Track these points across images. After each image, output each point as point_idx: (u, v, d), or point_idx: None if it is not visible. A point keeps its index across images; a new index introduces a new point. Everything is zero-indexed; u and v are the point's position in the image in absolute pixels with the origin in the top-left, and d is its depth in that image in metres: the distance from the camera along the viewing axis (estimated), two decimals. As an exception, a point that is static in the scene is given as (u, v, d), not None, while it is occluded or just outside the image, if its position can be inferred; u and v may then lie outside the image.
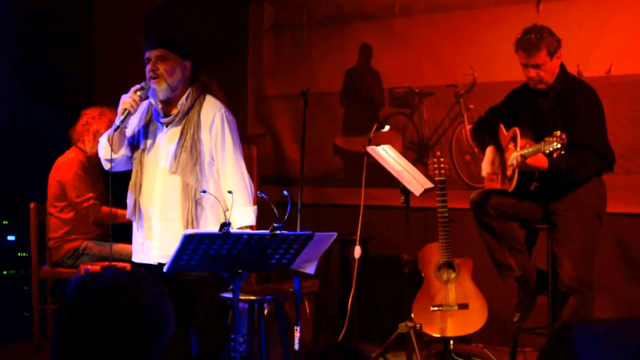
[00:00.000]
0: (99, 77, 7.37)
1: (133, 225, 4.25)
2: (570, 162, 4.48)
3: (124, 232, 4.96)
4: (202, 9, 7.08)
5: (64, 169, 5.62)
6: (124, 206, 4.30)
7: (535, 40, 4.59)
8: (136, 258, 4.25)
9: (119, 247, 5.38)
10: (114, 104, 4.17)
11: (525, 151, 4.49)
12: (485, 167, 4.83)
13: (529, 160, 4.46)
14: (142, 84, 4.10)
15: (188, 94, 4.15)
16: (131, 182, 4.20)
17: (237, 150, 4.17)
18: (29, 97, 6.57)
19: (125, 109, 4.04)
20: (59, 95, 6.57)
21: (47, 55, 6.77)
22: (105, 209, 5.53)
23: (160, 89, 4.09)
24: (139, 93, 4.07)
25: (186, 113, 4.13)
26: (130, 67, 6.82)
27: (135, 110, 4.09)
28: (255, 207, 4.19)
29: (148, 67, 4.12)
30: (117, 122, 4.05)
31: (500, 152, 4.86)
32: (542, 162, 4.43)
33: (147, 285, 1.81)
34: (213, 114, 4.14)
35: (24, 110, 6.52)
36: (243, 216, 4.05)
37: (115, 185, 4.12)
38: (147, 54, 4.15)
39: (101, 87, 7.22)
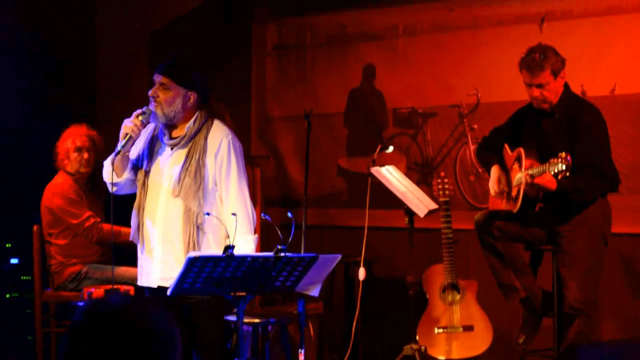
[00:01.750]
0: (103, 95, 7.41)
1: (137, 247, 4.27)
2: (577, 183, 4.50)
3: (126, 255, 4.98)
4: (205, 29, 7.12)
5: (52, 195, 5.60)
6: (126, 224, 4.32)
7: (539, 60, 4.61)
8: (139, 281, 4.27)
9: (122, 270, 5.38)
10: (118, 123, 4.19)
11: (532, 171, 4.51)
12: (493, 187, 4.84)
13: (537, 180, 4.47)
14: (144, 108, 4.09)
15: (196, 118, 4.15)
16: (135, 204, 4.21)
17: (242, 178, 4.16)
18: (31, 117, 6.60)
19: (127, 134, 4.06)
20: (63, 114, 6.59)
21: (52, 74, 6.81)
22: (107, 226, 5.52)
23: (157, 116, 4.10)
24: (140, 118, 4.07)
25: (193, 137, 4.13)
26: (134, 86, 6.90)
27: (137, 134, 4.09)
28: (257, 236, 4.17)
29: (150, 92, 4.15)
30: (119, 147, 4.06)
31: (506, 171, 4.88)
32: (550, 182, 4.43)
33: (154, 310, 1.81)
34: (220, 140, 4.13)
35: (27, 131, 6.56)
36: (243, 244, 4.01)
37: (116, 204, 4.15)
38: (154, 77, 4.16)
39: (105, 106, 7.26)
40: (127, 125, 4.07)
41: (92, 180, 5.70)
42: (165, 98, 4.09)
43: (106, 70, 7.43)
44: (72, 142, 5.65)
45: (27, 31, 6.66)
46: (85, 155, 5.62)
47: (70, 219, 5.55)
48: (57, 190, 5.61)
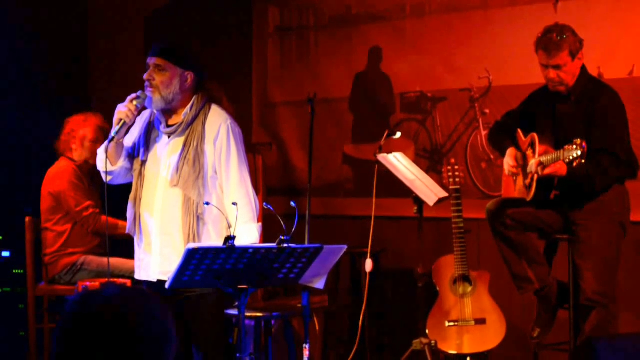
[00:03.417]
0: (97, 81, 7.39)
1: (134, 240, 4.25)
2: (590, 169, 4.47)
3: (124, 246, 4.97)
4: (203, 11, 7.10)
5: (56, 179, 5.63)
6: (122, 217, 4.31)
7: (556, 40, 4.59)
8: (137, 275, 4.26)
9: (119, 261, 5.40)
10: (113, 110, 4.16)
11: (544, 158, 4.49)
12: (508, 161, 4.79)
13: (547, 171, 4.46)
14: (139, 92, 4.07)
15: (193, 104, 4.13)
16: (131, 195, 4.20)
17: (243, 164, 4.15)
18: (23, 107, 6.59)
19: (121, 119, 4.03)
20: (56, 105, 6.58)
21: (44, 64, 6.79)
22: (105, 218, 5.52)
23: (155, 100, 4.08)
24: (135, 102, 4.05)
25: (190, 123, 4.11)
26: (129, 71, 6.88)
27: (132, 120, 4.08)
28: (260, 224, 4.16)
29: (145, 75, 4.13)
30: (112, 133, 4.04)
31: (522, 153, 4.85)
32: (561, 170, 4.43)
33: (149, 303, 1.81)
34: (218, 126, 4.12)
35: (18, 121, 6.54)
36: (246, 234, 4.01)
37: (112, 196, 4.14)
38: (147, 60, 4.14)
39: (99, 92, 7.24)
40: (121, 110, 4.04)
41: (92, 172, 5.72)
42: (162, 80, 4.07)
43: (100, 55, 7.41)
44: (91, 131, 5.67)
45: (17, 14, 6.64)
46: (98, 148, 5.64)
47: (71, 204, 5.57)
48: (61, 174, 5.64)
